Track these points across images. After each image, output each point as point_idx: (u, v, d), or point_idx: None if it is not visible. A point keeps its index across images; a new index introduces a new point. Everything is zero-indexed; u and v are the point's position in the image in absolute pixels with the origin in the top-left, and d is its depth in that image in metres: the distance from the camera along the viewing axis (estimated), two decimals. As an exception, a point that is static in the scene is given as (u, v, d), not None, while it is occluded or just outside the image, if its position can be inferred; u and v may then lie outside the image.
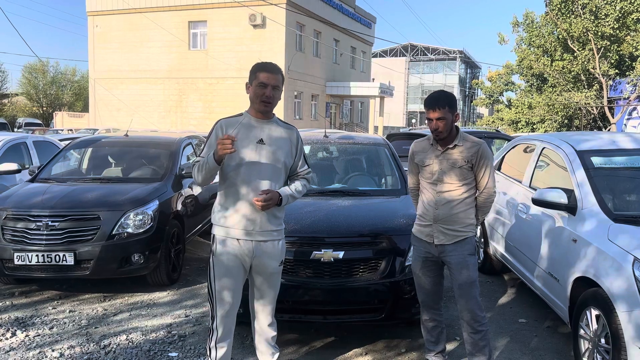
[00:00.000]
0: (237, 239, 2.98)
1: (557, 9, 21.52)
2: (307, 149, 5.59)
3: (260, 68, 2.95)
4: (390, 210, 4.40)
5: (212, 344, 3.07)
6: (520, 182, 5.24)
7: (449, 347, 4.08)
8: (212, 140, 2.96)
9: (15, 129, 33.87)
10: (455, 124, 3.33)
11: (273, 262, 3.07)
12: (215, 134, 2.96)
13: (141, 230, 5.15)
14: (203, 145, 3.05)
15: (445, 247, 3.34)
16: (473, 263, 3.34)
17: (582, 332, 3.55)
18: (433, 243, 3.37)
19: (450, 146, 3.31)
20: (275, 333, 3.22)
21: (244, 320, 3.45)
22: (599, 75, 21.21)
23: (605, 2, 20.51)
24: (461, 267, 3.31)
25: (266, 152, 2.97)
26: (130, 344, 4.11)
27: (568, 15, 21.29)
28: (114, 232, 5.01)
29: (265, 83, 2.90)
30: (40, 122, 40.35)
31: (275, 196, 2.93)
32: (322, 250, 3.78)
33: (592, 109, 22.27)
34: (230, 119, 3.04)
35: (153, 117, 30.33)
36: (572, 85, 22.57)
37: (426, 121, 3.34)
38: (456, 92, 62.93)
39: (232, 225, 2.97)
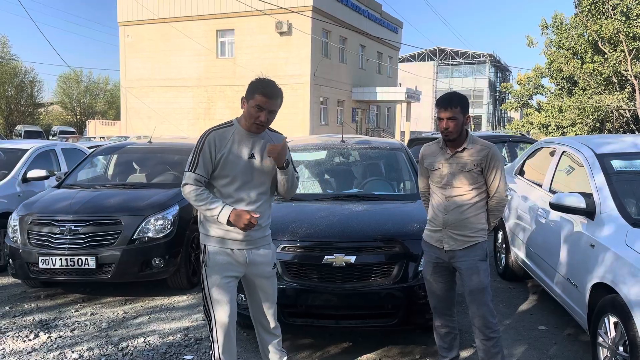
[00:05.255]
0: (231, 249, 2.97)
1: (586, 10, 21.06)
2: (323, 154, 5.62)
3: (261, 90, 2.84)
4: (404, 215, 4.37)
5: (216, 355, 3.05)
6: (540, 186, 5.14)
7: (465, 353, 4.02)
8: (206, 153, 2.89)
9: (50, 137, 34.92)
10: (467, 127, 3.30)
11: (267, 267, 3.08)
12: (208, 147, 2.89)
13: (161, 235, 5.25)
14: (194, 154, 2.92)
15: (455, 253, 3.31)
16: (484, 269, 3.30)
17: (600, 339, 3.47)
18: (443, 248, 3.34)
19: (460, 149, 3.27)
20: (280, 337, 3.23)
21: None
22: (631, 77, 20.65)
23: (636, 2, 19.97)
24: (472, 272, 3.26)
25: (258, 165, 2.96)
26: (147, 346, 4.19)
27: (598, 17, 20.80)
28: (134, 237, 5.13)
29: (261, 107, 2.84)
30: (74, 130, 41.53)
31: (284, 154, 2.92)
32: (334, 254, 3.77)
33: (625, 112, 21.68)
34: (221, 130, 2.95)
35: (182, 125, 30.85)
36: (603, 88, 22.02)
37: (437, 121, 3.32)
38: (486, 96, 62.08)
39: (225, 236, 2.95)
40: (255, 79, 2.93)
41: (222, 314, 2.97)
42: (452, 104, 3.19)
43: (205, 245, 3.01)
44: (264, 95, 2.83)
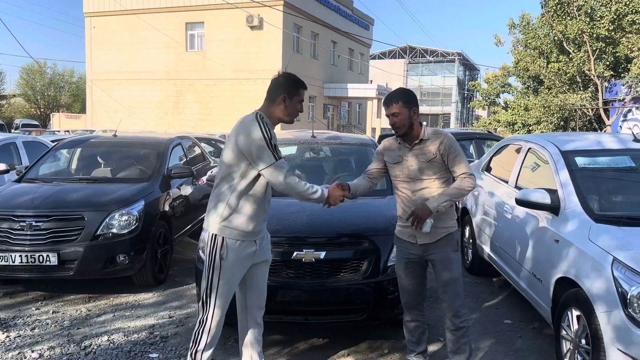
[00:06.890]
0: (248, 241, 3.05)
1: (552, 10, 21.47)
2: (294, 149, 5.58)
3: (303, 85, 3.10)
4: (373, 211, 4.37)
5: (200, 347, 3.03)
6: (507, 182, 5.22)
7: (432, 347, 4.06)
8: (270, 139, 3.00)
9: (13, 130, 33.85)
10: (415, 120, 3.27)
11: (268, 251, 3.26)
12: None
13: (126, 231, 5.13)
14: (267, 145, 2.96)
15: (429, 246, 3.34)
16: (456, 259, 3.35)
17: (563, 332, 3.54)
18: (416, 243, 3.36)
19: (417, 142, 3.31)
20: (262, 325, 3.31)
21: (229, 321, 3.40)
22: (594, 76, 21.18)
23: (600, 4, 20.49)
24: (445, 264, 3.32)
25: None
26: (111, 344, 4.09)
27: (563, 17, 21.25)
28: (98, 233, 4.99)
29: (302, 100, 3.12)
30: (38, 123, 40.32)
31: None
32: (304, 250, 3.75)
33: (588, 111, 22.25)
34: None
35: (150, 119, 30.30)
36: (567, 87, 22.52)
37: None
38: (454, 94, 62.89)
39: (251, 229, 3.03)
40: (286, 75, 3.06)
41: (224, 309, 3.06)
42: (393, 100, 3.26)
43: (224, 237, 2.99)
44: (305, 89, 3.12)
